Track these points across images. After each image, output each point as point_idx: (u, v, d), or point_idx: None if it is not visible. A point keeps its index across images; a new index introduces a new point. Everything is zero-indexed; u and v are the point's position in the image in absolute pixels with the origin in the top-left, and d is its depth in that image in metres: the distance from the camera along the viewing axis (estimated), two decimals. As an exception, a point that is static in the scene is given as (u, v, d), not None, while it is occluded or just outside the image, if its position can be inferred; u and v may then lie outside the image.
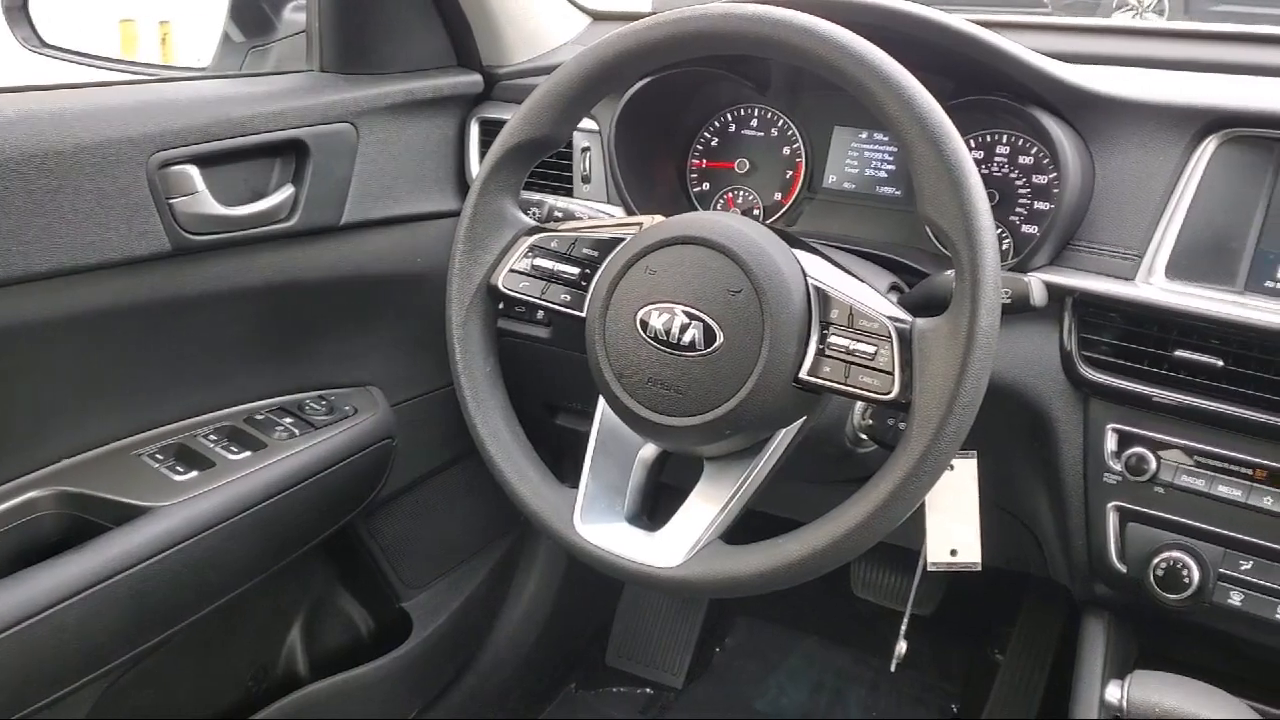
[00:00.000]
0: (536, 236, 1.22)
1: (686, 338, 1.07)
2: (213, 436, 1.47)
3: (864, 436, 1.32)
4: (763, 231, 1.11)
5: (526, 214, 1.27)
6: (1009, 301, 1.15)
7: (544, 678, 2.23)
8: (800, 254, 1.11)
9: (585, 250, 1.20)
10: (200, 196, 1.35)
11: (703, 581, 1.10)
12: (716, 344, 1.06)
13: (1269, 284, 1.20)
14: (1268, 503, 1.19)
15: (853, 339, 1.05)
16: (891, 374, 1.03)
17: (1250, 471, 1.20)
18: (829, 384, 1.06)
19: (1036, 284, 1.15)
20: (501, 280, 1.22)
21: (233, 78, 1.72)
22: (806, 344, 1.07)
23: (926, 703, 2.15)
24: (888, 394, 1.03)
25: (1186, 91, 1.29)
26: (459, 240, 1.22)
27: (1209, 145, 1.24)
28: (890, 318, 1.04)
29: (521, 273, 1.22)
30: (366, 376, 1.69)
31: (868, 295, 1.08)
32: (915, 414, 1.00)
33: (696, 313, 1.07)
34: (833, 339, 1.06)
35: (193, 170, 1.34)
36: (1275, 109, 1.22)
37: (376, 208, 1.58)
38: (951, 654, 2.20)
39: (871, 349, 1.04)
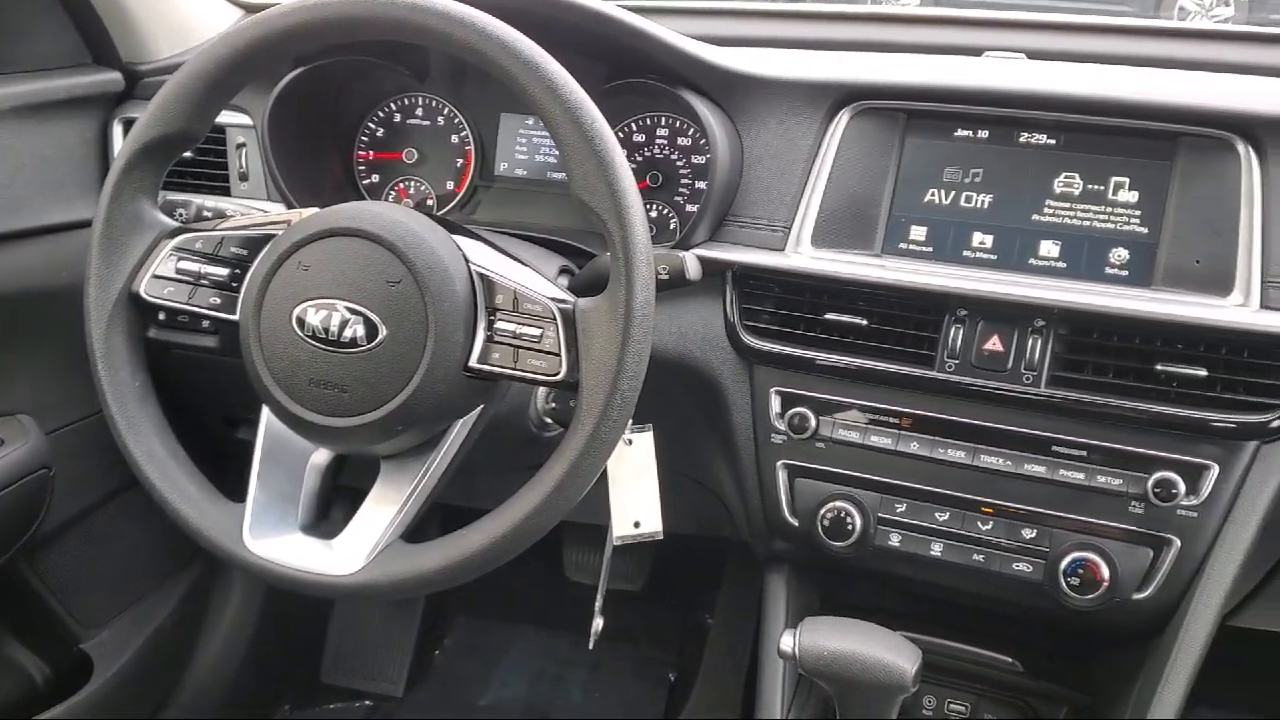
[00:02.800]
0: (180, 238, 1.15)
1: (347, 334, 1.03)
2: None
3: (549, 420, 1.33)
4: (420, 220, 1.09)
5: (172, 216, 1.20)
6: (666, 278, 1.18)
7: (254, 703, 2.12)
8: (462, 241, 1.10)
9: (234, 249, 1.13)
10: None
11: (384, 584, 1.07)
12: (380, 338, 1.03)
13: (902, 246, 1.30)
14: (914, 448, 1.28)
15: (519, 323, 1.05)
16: (558, 355, 1.03)
17: (898, 421, 1.29)
18: (499, 370, 1.06)
19: (691, 260, 1.19)
20: (144, 287, 1.14)
21: None
22: (474, 331, 1.06)
23: (644, 675, 2.20)
24: (556, 375, 1.03)
25: (820, 68, 1.37)
26: (93, 247, 1.13)
27: (842, 118, 1.32)
28: (553, 299, 1.05)
29: (165, 278, 1.14)
30: (15, 404, 1.54)
31: (531, 279, 1.08)
32: (583, 392, 1.02)
33: (356, 307, 1.04)
34: (500, 324, 1.06)
35: None
36: (898, 81, 1.31)
37: (8, 220, 1.44)
38: (665, 624, 2.26)
39: (537, 332, 1.04)
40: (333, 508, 1.20)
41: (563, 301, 1.04)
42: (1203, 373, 1.17)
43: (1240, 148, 1.19)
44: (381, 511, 1.10)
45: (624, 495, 1.24)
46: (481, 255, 1.09)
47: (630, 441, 1.24)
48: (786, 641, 1.10)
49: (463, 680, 2.23)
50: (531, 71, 1.00)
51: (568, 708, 2.17)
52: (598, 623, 1.35)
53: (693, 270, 1.19)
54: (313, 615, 2.27)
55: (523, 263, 1.12)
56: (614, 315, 1.01)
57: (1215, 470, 1.18)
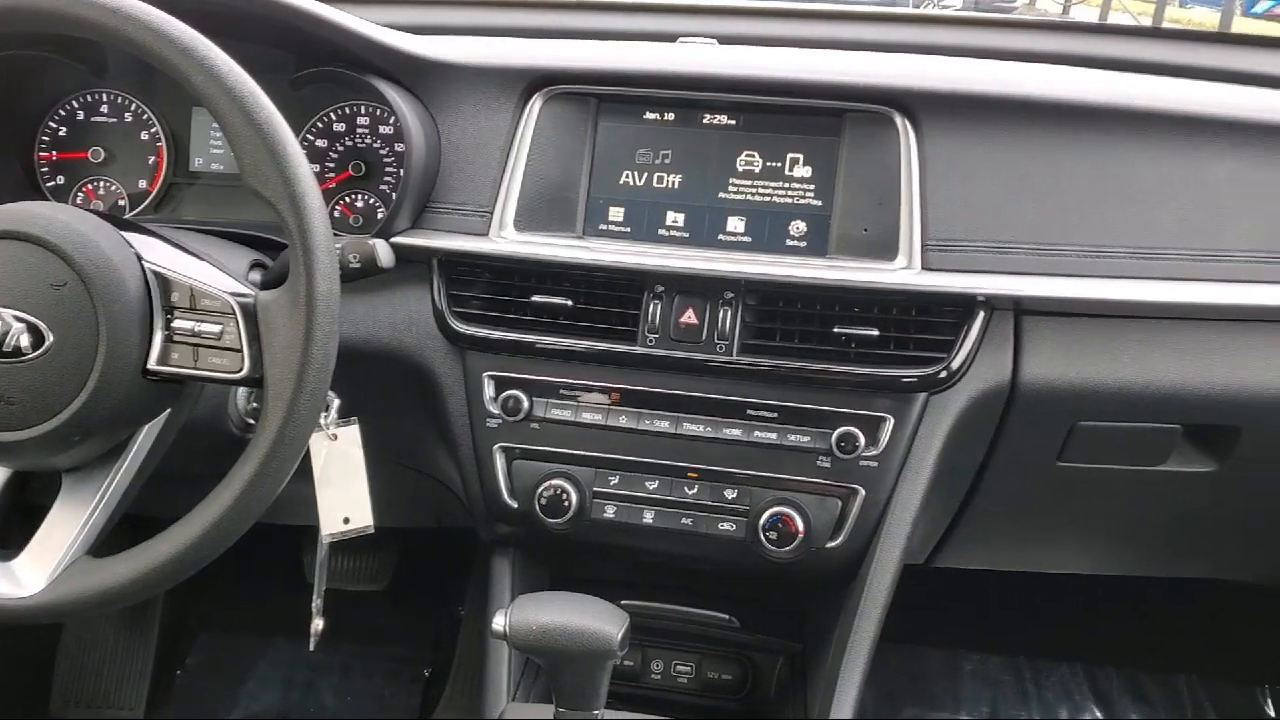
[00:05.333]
0: None
1: (10, 343, 0.98)
2: None
3: (252, 421, 1.30)
4: (87, 219, 1.04)
5: None
6: (358, 266, 1.17)
7: (-27, 750, 1.98)
8: (135, 238, 1.06)
9: None
10: None
11: (71, 603, 1.02)
12: (47, 345, 0.99)
13: (602, 226, 1.34)
14: (623, 421, 1.32)
15: (197, 320, 1.03)
16: (240, 351, 1.02)
17: (607, 396, 1.33)
18: (180, 371, 1.03)
19: (382, 247, 1.19)
20: None
21: None
22: (151, 332, 1.02)
23: (398, 674, 2.17)
24: (239, 372, 1.02)
25: (510, 54, 1.38)
26: None
27: (535, 104, 1.34)
28: (233, 294, 1.03)
29: None
30: None
31: (211, 274, 1.05)
32: (268, 388, 1.00)
33: (19, 314, 0.99)
34: (178, 323, 1.03)
35: None
36: (585, 66, 1.35)
37: None
38: (418, 620, 2.24)
39: (217, 328, 1.02)
40: (17, 527, 1.13)
41: (243, 295, 1.02)
42: (875, 332, 1.26)
43: (898, 121, 1.29)
44: (64, 527, 1.05)
45: (331, 492, 1.22)
46: (157, 253, 1.05)
47: (335, 436, 1.23)
48: (499, 621, 1.11)
49: (208, 698, 2.15)
50: (191, 59, 0.98)
51: (320, 714, 2.12)
52: (317, 624, 1.33)
53: (384, 257, 1.18)
54: (37, 643, 2.13)
55: (205, 259, 1.09)
56: (295, 307, 0.99)
57: (891, 422, 1.28)
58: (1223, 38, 1.75)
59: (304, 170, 0.99)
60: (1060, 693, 2.13)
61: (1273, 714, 2.12)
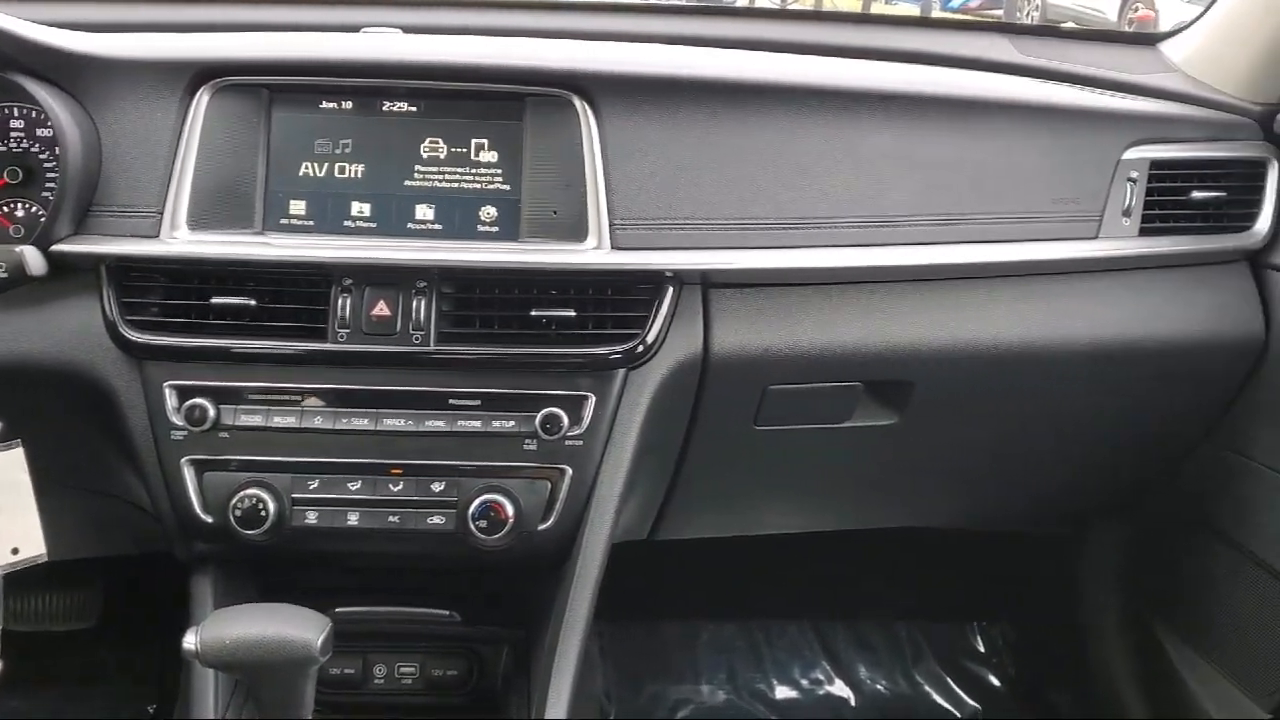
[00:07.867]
0: None
1: None
2: None
3: (-102, 454, 1.18)
4: None
5: None
6: (5, 276, 1.08)
7: None
8: None
9: None
10: None
11: None
12: None
13: (283, 221, 1.29)
14: (319, 422, 1.28)
15: None
16: None
17: (299, 398, 1.28)
18: None
19: (31, 254, 1.10)
20: None
21: None
22: None
23: (120, 714, 2.03)
24: None
25: (171, 47, 1.31)
26: None
27: (203, 97, 1.28)
28: None
29: None
30: None
31: None
32: None
33: None
34: None
35: None
36: (252, 57, 1.30)
37: None
38: (142, 656, 2.10)
39: None
40: None
41: None
42: (572, 313, 1.27)
43: (577, 104, 1.30)
44: None
45: (-3, 523, 1.13)
46: None
47: (-3, 463, 1.13)
48: (189, 640, 1.05)
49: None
50: None
51: (32, 769, 1.95)
52: (-3, 665, 1.22)
53: (34, 265, 1.10)
54: None
55: None
56: None
57: (593, 400, 1.29)
58: (920, 22, 1.88)
59: None
60: (791, 652, 2.23)
61: (981, 648, 2.30)
